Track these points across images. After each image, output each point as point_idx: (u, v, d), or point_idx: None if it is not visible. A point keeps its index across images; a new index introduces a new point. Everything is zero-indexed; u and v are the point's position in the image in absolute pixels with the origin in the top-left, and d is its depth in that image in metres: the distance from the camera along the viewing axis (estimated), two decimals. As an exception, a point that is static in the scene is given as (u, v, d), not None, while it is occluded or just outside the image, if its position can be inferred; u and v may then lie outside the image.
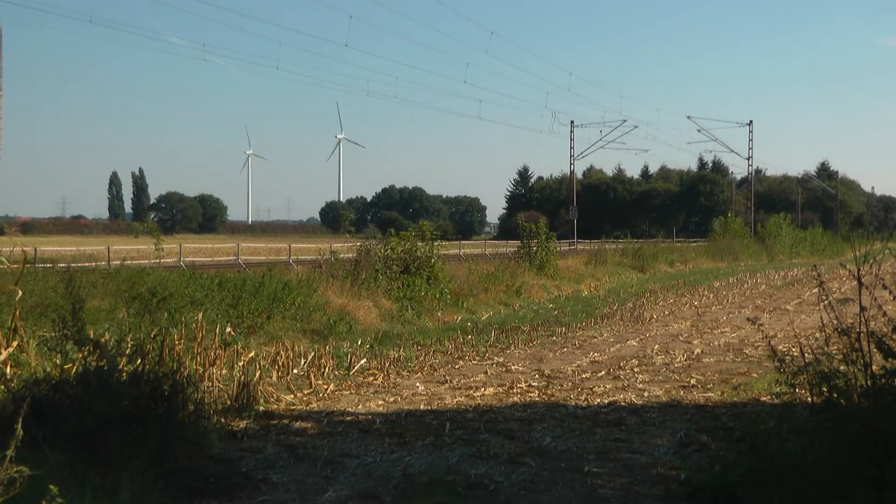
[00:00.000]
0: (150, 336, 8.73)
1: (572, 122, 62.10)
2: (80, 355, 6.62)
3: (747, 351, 13.30)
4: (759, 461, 5.36)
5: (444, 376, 11.17)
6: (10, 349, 7.91)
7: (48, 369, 7.23)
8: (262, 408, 8.67)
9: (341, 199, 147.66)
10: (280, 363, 10.71)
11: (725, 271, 36.69)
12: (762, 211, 79.70)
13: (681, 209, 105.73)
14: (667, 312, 19.71)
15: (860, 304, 5.21)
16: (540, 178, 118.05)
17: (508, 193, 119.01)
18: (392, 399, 9.57)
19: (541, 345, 14.28)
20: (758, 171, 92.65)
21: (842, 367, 5.19)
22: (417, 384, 10.53)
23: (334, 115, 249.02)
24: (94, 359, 6.45)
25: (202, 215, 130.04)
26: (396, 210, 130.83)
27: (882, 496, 4.52)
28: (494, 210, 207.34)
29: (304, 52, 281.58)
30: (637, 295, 24.33)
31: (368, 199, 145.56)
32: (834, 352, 5.37)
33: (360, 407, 9.11)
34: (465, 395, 9.81)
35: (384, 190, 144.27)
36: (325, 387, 10.02)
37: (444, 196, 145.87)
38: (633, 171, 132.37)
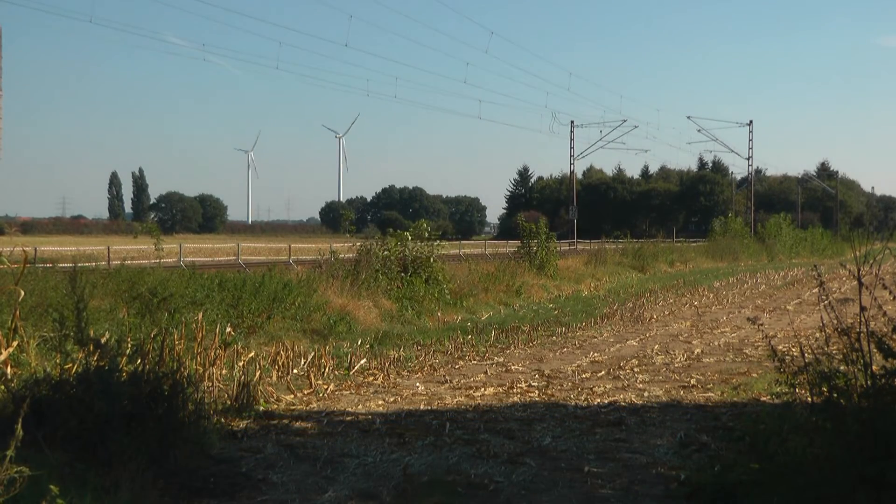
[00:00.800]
0: (151, 336, 8.74)
1: (572, 122, 62.22)
2: (81, 355, 6.62)
3: (747, 351, 13.30)
4: (759, 461, 5.36)
5: (444, 376, 11.17)
6: (11, 349, 7.91)
7: (48, 369, 7.23)
8: (262, 408, 8.67)
9: (341, 199, 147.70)
10: (280, 363, 10.71)
11: (725, 271, 36.68)
12: (762, 211, 79.77)
13: (681, 209, 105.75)
14: (667, 312, 19.71)
15: (860, 304, 5.21)
16: (540, 178, 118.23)
17: (508, 193, 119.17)
18: (392, 399, 9.57)
19: (541, 345, 14.28)
20: (758, 171, 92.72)
21: (842, 367, 5.19)
22: (417, 384, 10.53)
23: (334, 116, 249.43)
24: (95, 359, 6.45)
25: (202, 215, 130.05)
26: (396, 210, 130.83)
27: (882, 496, 4.52)
28: (494, 210, 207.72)
29: (304, 52, 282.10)
30: (637, 295, 24.33)
31: (368, 199, 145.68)
32: (834, 352, 5.37)
33: (360, 407, 9.12)
34: (465, 395, 9.81)
35: (384, 190, 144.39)
36: (325, 387, 10.02)
37: (444, 196, 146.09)
38: (633, 171, 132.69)
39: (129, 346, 7.51)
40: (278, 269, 17.48)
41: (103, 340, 6.94)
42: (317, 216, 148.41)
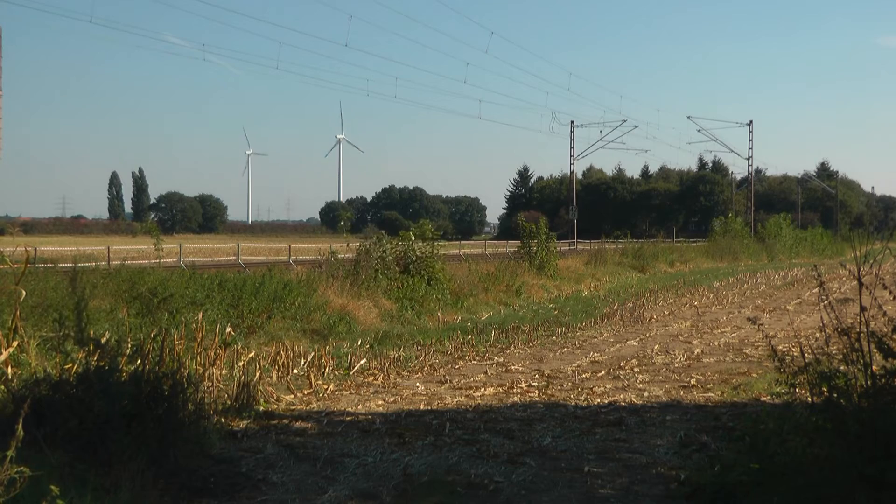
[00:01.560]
0: (151, 336, 8.73)
1: (572, 122, 62.27)
2: (81, 355, 6.62)
3: (747, 351, 13.30)
4: (759, 461, 5.36)
5: (444, 376, 11.17)
6: (11, 349, 7.90)
7: (48, 369, 7.23)
8: (262, 408, 8.67)
9: (341, 199, 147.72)
10: (280, 363, 10.71)
11: (725, 271, 36.67)
12: (762, 211, 79.80)
13: (681, 209, 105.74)
14: (667, 312, 19.71)
15: (860, 304, 5.21)
16: (540, 178, 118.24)
17: (508, 193, 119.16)
18: (392, 399, 9.57)
19: (541, 345, 14.28)
20: (758, 171, 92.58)
21: (842, 367, 5.19)
22: (417, 384, 10.53)
23: (334, 115, 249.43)
24: (95, 359, 6.45)
25: (202, 215, 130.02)
26: (396, 210, 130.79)
27: (882, 496, 4.52)
28: (494, 210, 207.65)
29: (304, 52, 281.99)
30: (637, 295, 24.33)
31: (368, 199, 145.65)
32: (834, 352, 5.37)
33: (360, 407, 9.12)
34: (465, 395, 9.81)
35: (384, 190, 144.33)
36: (325, 387, 10.02)
37: (444, 196, 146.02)
38: (633, 171, 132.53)
39: (130, 346, 7.51)
40: (278, 270, 17.48)
41: (103, 340, 6.95)
42: (317, 216, 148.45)
